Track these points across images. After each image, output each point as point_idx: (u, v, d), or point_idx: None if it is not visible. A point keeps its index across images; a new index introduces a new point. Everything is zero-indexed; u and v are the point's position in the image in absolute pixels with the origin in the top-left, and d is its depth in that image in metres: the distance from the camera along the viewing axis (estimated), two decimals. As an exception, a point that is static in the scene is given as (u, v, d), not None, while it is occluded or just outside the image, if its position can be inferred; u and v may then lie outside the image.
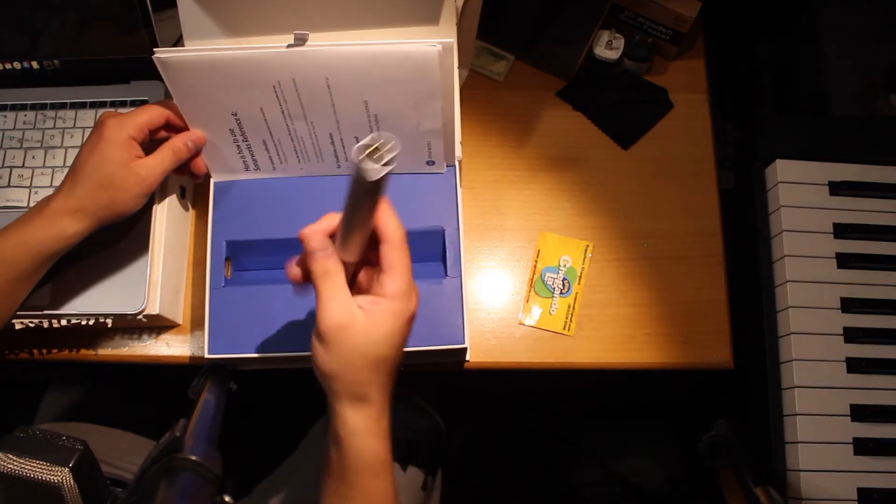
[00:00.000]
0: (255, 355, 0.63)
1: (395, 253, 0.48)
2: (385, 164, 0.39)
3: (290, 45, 0.55)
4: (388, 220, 0.48)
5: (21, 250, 0.57)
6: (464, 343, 0.62)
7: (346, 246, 0.48)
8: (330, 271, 0.48)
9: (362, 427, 0.49)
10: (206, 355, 0.63)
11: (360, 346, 0.47)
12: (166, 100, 0.63)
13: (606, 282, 0.73)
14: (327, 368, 0.48)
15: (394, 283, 0.48)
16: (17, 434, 0.44)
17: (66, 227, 0.57)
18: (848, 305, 0.71)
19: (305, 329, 0.63)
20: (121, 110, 0.70)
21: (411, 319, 0.50)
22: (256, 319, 0.64)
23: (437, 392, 0.87)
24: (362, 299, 0.48)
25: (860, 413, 0.69)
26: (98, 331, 0.70)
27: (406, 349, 0.61)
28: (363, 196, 0.42)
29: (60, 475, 0.42)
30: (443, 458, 0.86)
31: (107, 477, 0.64)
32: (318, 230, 0.49)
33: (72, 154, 0.69)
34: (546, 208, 0.75)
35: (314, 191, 0.67)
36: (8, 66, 0.70)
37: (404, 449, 0.80)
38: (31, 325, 0.64)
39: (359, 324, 0.47)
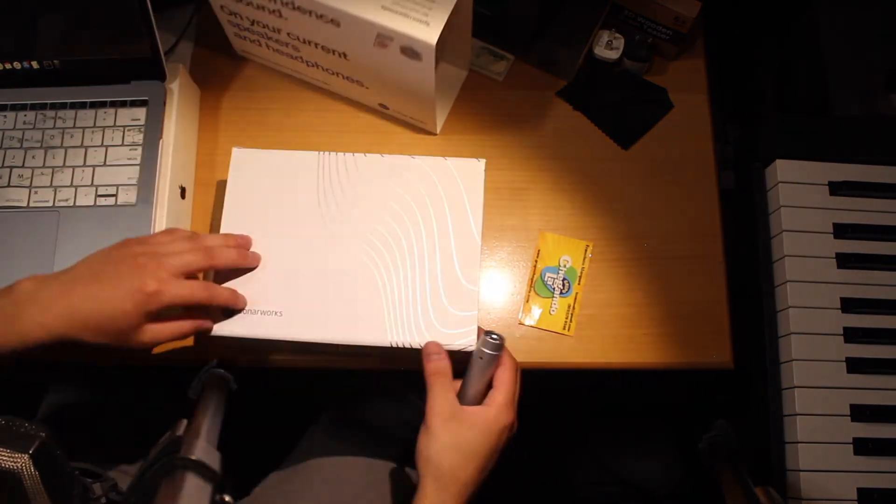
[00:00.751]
0: (261, 333, 0.62)
1: (505, 374, 0.58)
2: (496, 349, 0.57)
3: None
4: (505, 358, 0.59)
5: None
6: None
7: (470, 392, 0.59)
8: (440, 371, 0.57)
9: None
10: (213, 332, 0.62)
11: (456, 438, 0.55)
12: (213, 284, 0.60)
13: (606, 282, 0.73)
14: (424, 452, 0.55)
15: (499, 394, 0.57)
16: None
17: (32, 332, 0.52)
18: (848, 305, 0.71)
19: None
20: (120, 110, 0.70)
21: (502, 433, 0.57)
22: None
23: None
24: (471, 407, 0.57)
25: (860, 413, 0.69)
26: (98, 331, 0.70)
27: (408, 346, 0.62)
28: (486, 365, 0.58)
29: (20, 462, 0.41)
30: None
31: (87, 470, 0.64)
32: (438, 342, 0.60)
33: (72, 154, 0.69)
34: (546, 208, 0.75)
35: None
36: (8, 66, 0.70)
37: (403, 449, 0.80)
38: (31, 324, 0.64)
39: (461, 419, 0.56)
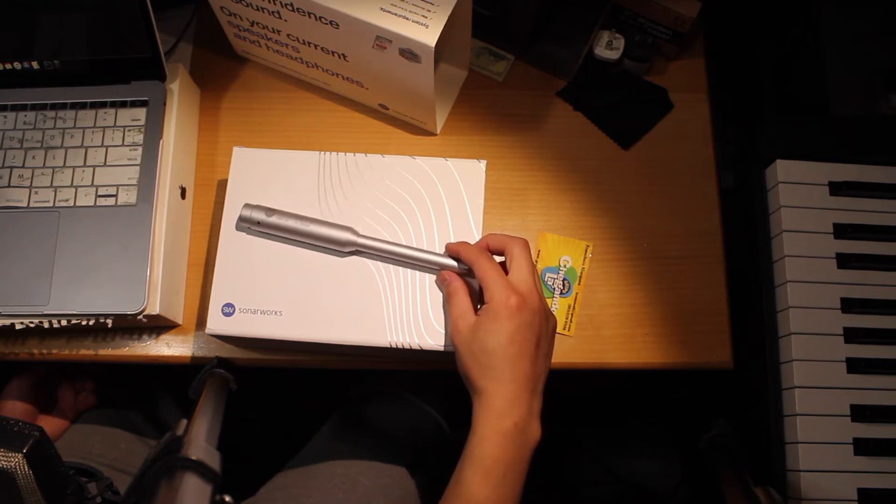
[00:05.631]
0: (261, 333, 0.62)
1: (482, 272, 0.58)
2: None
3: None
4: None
5: None
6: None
7: None
8: (453, 291, 0.60)
9: (476, 419, 0.54)
10: (208, 327, 0.62)
11: (478, 342, 0.55)
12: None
13: (606, 282, 0.73)
14: (462, 371, 0.56)
15: (488, 289, 0.56)
16: None
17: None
18: (848, 305, 0.71)
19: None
20: (121, 111, 0.70)
21: (512, 317, 0.54)
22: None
23: (444, 395, 0.87)
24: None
25: (860, 413, 0.69)
26: (98, 331, 0.70)
27: (408, 347, 0.61)
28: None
29: (14, 461, 0.41)
30: (450, 463, 0.86)
31: (82, 469, 0.64)
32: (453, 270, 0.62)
33: (72, 154, 0.69)
34: (546, 208, 0.75)
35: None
36: (8, 66, 0.70)
37: (412, 456, 0.80)
38: (31, 325, 0.65)
39: (476, 324, 0.56)
